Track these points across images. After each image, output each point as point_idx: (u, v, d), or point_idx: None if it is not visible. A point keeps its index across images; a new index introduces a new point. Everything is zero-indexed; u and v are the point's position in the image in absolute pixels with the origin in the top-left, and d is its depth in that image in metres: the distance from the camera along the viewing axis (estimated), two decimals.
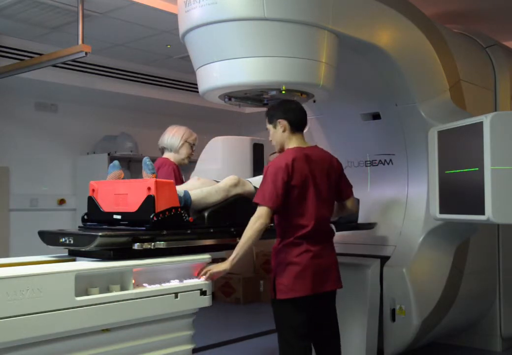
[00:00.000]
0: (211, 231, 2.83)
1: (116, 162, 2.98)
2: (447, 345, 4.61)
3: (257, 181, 3.22)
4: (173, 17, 3.64)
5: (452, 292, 4.03)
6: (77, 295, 2.19)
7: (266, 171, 2.83)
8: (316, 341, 3.02)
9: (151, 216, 2.54)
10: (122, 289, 2.38)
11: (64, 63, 5.19)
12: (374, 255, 3.97)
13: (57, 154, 6.45)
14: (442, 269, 3.96)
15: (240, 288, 6.80)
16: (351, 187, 3.15)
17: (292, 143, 2.96)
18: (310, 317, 2.94)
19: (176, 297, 2.52)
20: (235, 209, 2.95)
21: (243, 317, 6.21)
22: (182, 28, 3.29)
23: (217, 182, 3.09)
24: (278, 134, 2.98)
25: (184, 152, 3.68)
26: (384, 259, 3.91)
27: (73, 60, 4.71)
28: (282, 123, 2.95)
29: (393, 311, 3.81)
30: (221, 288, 6.94)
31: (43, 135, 6.33)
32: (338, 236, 4.12)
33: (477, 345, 4.56)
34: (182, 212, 2.68)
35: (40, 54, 4.81)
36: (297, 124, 2.97)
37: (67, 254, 2.67)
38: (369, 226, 3.97)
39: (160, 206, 2.57)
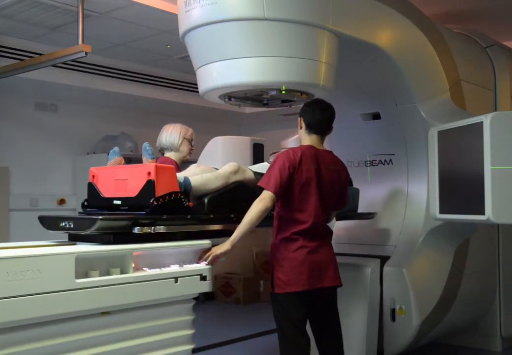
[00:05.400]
0: (211, 216, 2.83)
1: (116, 148, 2.96)
2: (447, 345, 4.61)
3: (257, 168, 3.26)
4: (173, 17, 3.64)
5: (452, 292, 4.03)
6: (77, 277, 2.19)
7: (276, 159, 2.90)
8: (318, 341, 3.04)
9: (151, 201, 2.53)
10: (122, 272, 2.37)
11: (64, 63, 5.18)
12: (374, 255, 3.98)
13: (57, 154, 6.46)
14: (442, 269, 3.96)
15: (240, 288, 6.80)
16: (345, 204, 3.18)
17: (306, 141, 3.02)
18: (310, 314, 2.96)
19: (176, 281, 2.51)
20: (235, 195, 2.96)
21: (243, 317, 6.21)
22: (182, 28, 3.29)
23: (217, 169, 3.10)
24: (299, 129, 3.08)
25: (184, 149, 3.66)
26: (384, 259, 3.91)
27: (73, 60, 4.70)
28: (300, 120, 3.05)
29: (393, 311, 3.81)
30: (221, 288, 6.94)
31: (43, 135, 6.33)
32: (339, 234, 4.14)
33: (477, 345, 4.57)
34: (182, 197, 2.68)
35: (40, 54, 4.81)
36: (311, 127, 3.00)
37: (67, 240, 2.66)
38: (369, 216, 3.96)
39: (160, 191, 2.57)
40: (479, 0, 4.89)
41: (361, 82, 4.02)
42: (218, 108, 6.50)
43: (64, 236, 2.66)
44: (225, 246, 2.72)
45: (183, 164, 3.74)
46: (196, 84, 3.43)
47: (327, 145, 3.15)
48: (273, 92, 3.27)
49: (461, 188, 3.44)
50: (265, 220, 2.86)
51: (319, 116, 2.99)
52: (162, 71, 6.59)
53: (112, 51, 5.83)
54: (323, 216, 2.94)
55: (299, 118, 3.05)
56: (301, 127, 3.04)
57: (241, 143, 4.32)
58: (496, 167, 3.13)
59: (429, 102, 3.97)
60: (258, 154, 4.33)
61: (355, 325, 3.69)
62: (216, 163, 3.66)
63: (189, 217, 2.71)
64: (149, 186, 2.56)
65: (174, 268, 2.55)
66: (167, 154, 3.68)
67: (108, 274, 2.34)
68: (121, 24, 5.02)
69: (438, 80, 4.07)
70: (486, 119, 3.17)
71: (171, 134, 3.64)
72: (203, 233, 2.78)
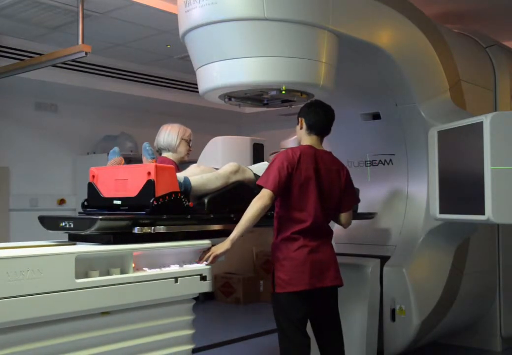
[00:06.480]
0: (211, 216, 2.83)
1: (116, 148, 2.96)
2: (447, 345, 4.61)
3: (257, 168, 3.26)
4: (173, 17, 3.64)
5: (452, 292, 4.03)
6: (77, 277, 2.19)
7: (274, 158, 2.91)
8: (319, 341, 3.03)
9: (151, 201, 2.54)
10: (122, 272, 2.38)
11: (64, 63, 5.19)
12: (374, 255, 3.98)
13: (57, 154, 6.46)
14: (442, 269, 3.96)
15: (240, 288, 6.80)
16: (352, 203, 3.16)
17: (306, 142, 3.03)
18: (310, 313, 2.96)
19: (176, 281, 2.52)
20: (235, 195, 2.96)
21: (243, 317, 6.22)
22: (182, 28, 3.29)
23: (217, 169, 3.10)
24: (297, 129, 3.10)
25: (182, 150, 3.62)
26: (384, 259, 3.91)
27: (73, 60, 4.71)
28: (301, 121, 3.06)
29: (393, 311, 3.81)
30: (221, 288, 6.94)
31: (43, 135, 6.33)
32: (339, 234, 4.14)
33: (477, 345, 4.56)
34: (182, 197, 2.68)
35: (40, 54, 4.81)
36: (313, 127, 3.01)
37: (67, 240, 2.67)
38: (369, 215, 3.96)
39: (160, 191, 2.58)
40: (479, 0, 4.89)
41: (361, 82, 4.01)
42: (218, 108, 6.50)
43: (64, 236, 2.67)
44: (225, 245, 2.72)
45: (183, 164, 3.72)
46: (196, 84, 3.43)
47: (327, 145, 3.16)
48: (273, 92, 3.27)
49: (461, 188, 3.44)
50: (265, 220, 2.86)
51: (322, 118, 3.01)
52: (162, 71, 6.59)
53: (112, 51, 5.83)
54: (322, 215, 2.94)
55: (299, 119, 3.06)
56: (301, 128, 3.05)
57: (241, 143, 4.32)
58: (496, 167, 3.13)
59: (429, 102, 3.97)
60: (258, 154, 4.33)
61: (355, 325, 3.69)
62: (216, 163, 3.66)
63: (189, 217, 2.71)
64: (149, 186, 2.57)
65: (174, 268, 2.56)
66: (165, 154, 3.63)
67: (108, 274, 2.34)
68: (121, 24, 5.02)
69: (438, 80, 4.07)
70: (486, 119, 3.17)
71: (169, 134, 3.60)
72: (203, 233, 2.78)
